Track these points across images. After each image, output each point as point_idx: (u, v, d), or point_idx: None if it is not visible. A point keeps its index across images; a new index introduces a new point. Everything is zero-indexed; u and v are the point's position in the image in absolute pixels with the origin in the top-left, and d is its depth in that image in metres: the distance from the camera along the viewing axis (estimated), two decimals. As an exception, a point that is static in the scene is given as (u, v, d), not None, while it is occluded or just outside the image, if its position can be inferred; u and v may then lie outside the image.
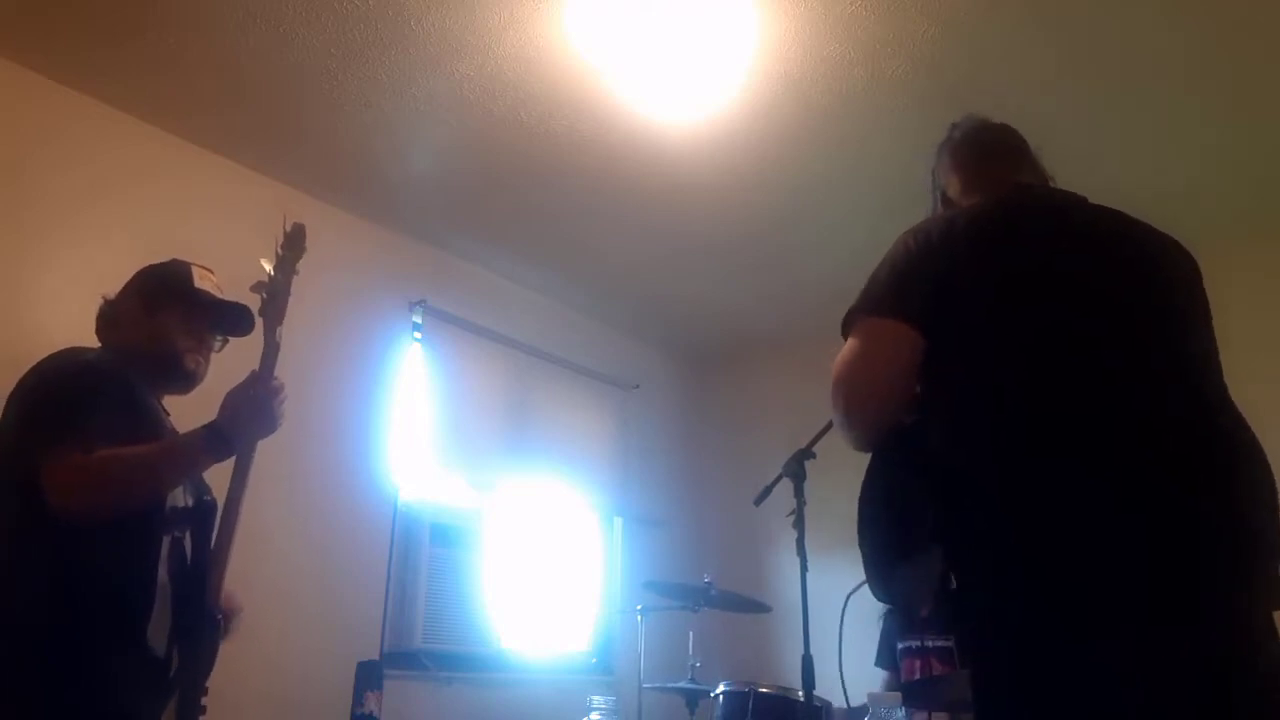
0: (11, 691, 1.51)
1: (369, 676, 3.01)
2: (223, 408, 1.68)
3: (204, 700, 1.65)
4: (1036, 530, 1.19)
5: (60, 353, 1.75)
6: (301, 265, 1.85)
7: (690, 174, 3.34)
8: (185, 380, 1.86)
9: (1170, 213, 1.76)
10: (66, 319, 1.99)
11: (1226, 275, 1.82)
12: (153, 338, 1.83)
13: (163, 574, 1.66)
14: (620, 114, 2.99)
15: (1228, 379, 1.35)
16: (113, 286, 1.92)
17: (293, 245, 1.79)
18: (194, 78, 2.87)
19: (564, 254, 4.03)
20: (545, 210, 3.64)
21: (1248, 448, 1.27)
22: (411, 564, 3.57)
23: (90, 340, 1.88)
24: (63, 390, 1.65)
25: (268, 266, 1.78)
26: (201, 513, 1.76)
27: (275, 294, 1.76)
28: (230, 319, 1.91)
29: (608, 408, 4.63)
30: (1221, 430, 1.28)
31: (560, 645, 4.22)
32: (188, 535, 1.74)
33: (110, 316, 1.87)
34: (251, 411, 1.68)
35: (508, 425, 4.10)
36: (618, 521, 4.63)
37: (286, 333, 1.82)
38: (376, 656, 3.25)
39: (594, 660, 4.33)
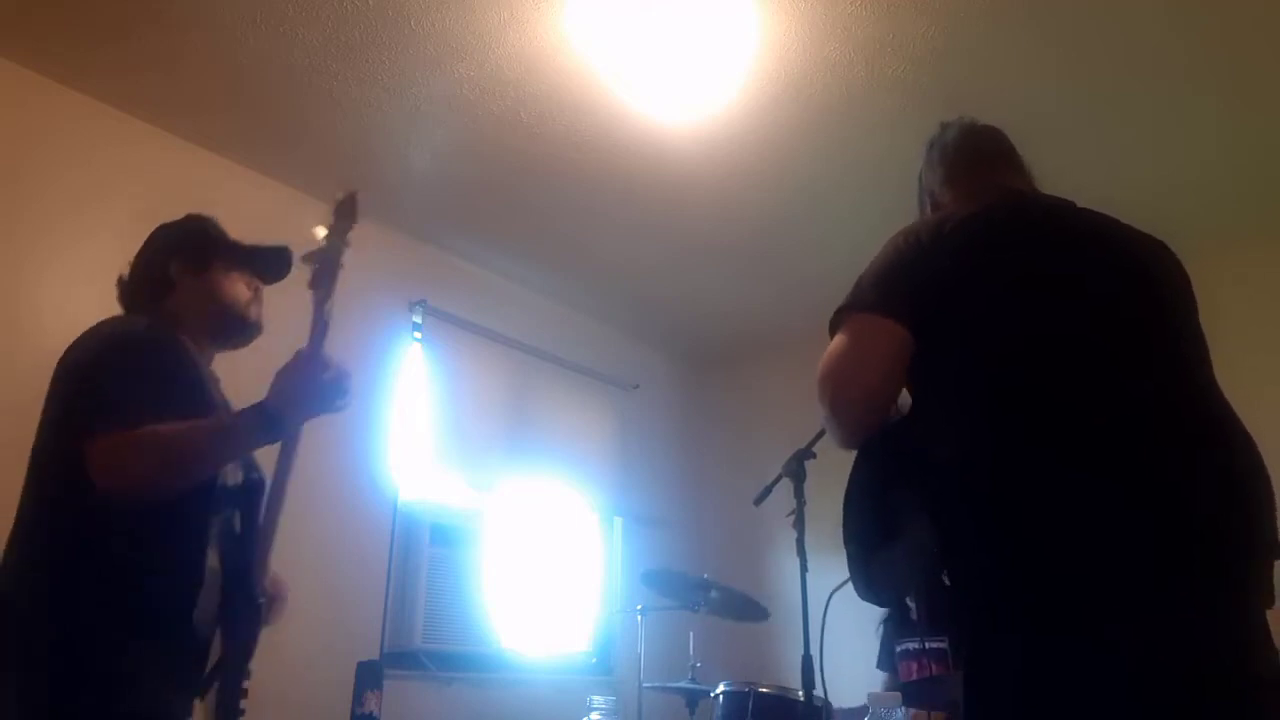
0: (59, 676, 1.44)
1: (369, 676, 3.01)
2: (273, 387, 1.58)
3: (246, 684, 1.59)
4: (1041, 527, 1.19)
5: (107, 323, 1.67)
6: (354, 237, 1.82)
7: (690, 174, 3.34)
8: (249, 332, 1.81)
9: (1169, 212, 1.77)
10: (66, 319, 1.98)
11: (1226, 274, 1.83)
12: (208, 296, 1.76)
13: (213, 557, 1.59)
14: (620, 114, 2.99)
15: (1227, 379, 1.35)
16: (112, 287, 1.91)
17: (343, 214, 1.72)
18: (194, 78, 2.87)
19: (564, 254, 4.03)
20: (545, 210, 3.64)
21: (1243, 444, 1.28)
22: (411, 564, 3.57)
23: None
24: (111, 363, 1.58)
25: (320, 235, 1.71)
26: (250, 491, 1.69)
27: (326, 264, 1.70)
28: (274, 263, 1.86)
29: (608, 408, 4.63)
30: (1218, 427, 1.29)
31: (560, 645, 4.22)
32: (236, 515, 1.67)
33: (150, 282, 1.78)
34: (303, 390, 1.59)
35: (508, 425, 4.10)
36: (618, 521, 4.63)
37: (286, 333, 1.81)
38: (376, 656, 3.25)
39: (594, 660, 4.33)
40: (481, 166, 3.34)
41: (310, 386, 1.60)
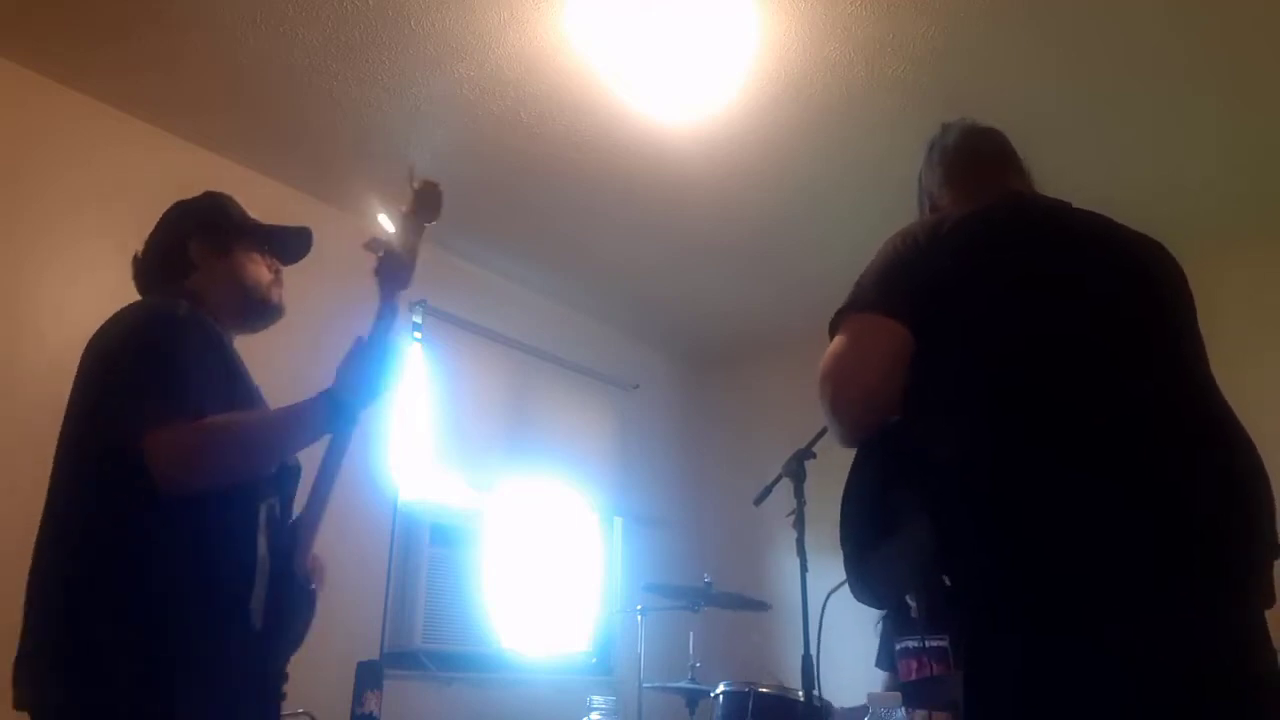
0: (117, 679, 1.37)
1: (369, 676, 3.01)
2: (339, 375, 1.56)
3: (288, 670, 1.57)
4: (1041, 527, 1.19)
5: (136, 307, 1.61)
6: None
7: (690, 174, 3.34)
8: (272, 315, 1.77)
9: (1169, 212, 1.78)
10: (66, 319, 1.98)
11: (1226, 274, 1.83)
12: (230, 278, 1.71)
13: (263, 544, 1.53)
14: (620, 114, 2.99)
15: (1227, 379, 1.35)
16: (112, 287, 1.89)
17: (424, 206, 1.68)
18: (194, 78, 2.87)
19: (564, 254, 4.04)
20: (545, 210, 3.64)
21: (1243, 444, 1.28)
22: (411, 564, 3.57)
23: (89, 331, 1.83)
24: (163, 348, 1.49)
25: (388, 225, 1.66)
26: (286, 477, 1.64)
27: (395, 256, 1.66)
28: (295, 243, 1.84)
29: (608, 408, 4.63)
30: (1218, 427, 1.29)
31: (560, 645, 4.22)
32: (276, 501, 1.62)
33: (169, 263, 1.71)
34: (369, 379, 1.57)
35: (508, 425, 4.10)
36: (618, 521, 4.63)
37: (284, 333, 1.80)
38: (376, 656, 3.25)
39: (594, 660, 4.33)
40: (481, 166, 3.34)
41: (376, 375, 1.59)
